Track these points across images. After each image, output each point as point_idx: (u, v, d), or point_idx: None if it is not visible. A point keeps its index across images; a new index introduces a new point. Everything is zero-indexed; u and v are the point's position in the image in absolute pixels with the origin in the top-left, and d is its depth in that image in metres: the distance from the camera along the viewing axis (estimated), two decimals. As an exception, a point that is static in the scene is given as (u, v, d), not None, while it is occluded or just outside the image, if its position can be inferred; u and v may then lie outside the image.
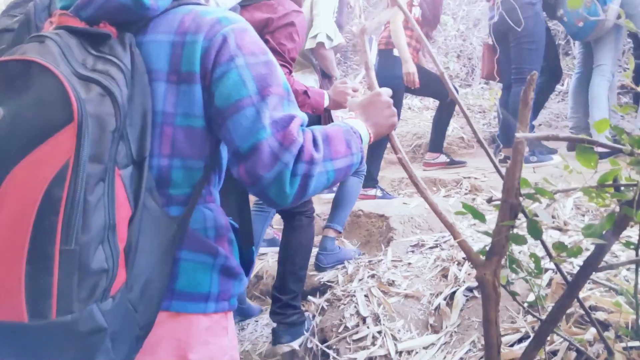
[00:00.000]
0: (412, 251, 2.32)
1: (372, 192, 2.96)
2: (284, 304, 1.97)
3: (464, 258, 2.04)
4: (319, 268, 2.39)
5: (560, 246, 0.94)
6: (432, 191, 3.09)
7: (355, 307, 1.94)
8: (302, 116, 0.83)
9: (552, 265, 1.59)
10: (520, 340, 1.51)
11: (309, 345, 1.94)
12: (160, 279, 0.77)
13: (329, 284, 2.32)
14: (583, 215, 2.37)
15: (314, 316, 2.13)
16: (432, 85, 2.99)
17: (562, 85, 4.54)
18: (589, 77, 3.01)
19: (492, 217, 2.15)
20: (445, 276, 2.02)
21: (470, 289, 1.87)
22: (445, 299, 1.88)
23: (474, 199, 2.71)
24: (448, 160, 3.55)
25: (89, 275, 0.64)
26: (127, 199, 0.70)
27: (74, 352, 0.66)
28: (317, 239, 2.70)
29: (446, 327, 1.77)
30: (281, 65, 1.72)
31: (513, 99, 2.97)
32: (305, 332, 1.97)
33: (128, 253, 0.70)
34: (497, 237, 0.94)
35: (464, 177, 3.01)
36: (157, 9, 0.78)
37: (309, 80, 2.31)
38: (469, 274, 1.94)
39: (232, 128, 0.78)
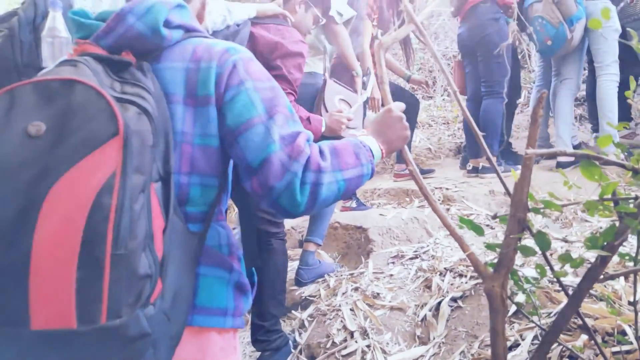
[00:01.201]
0: (393, 262, 2.33)
1: (348, 203, 2.97)
2: (266, 330, 1.89)
3: (445, 268, 2.08)
4: (300, 283, 2.36)
5: (566, 257, 0.96)
6: (404, 202, 3.14)
7: (341, 321, 1.93)
8: (307, 132, 0.89)
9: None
10: (509, 349, 1.54)
11: (297, 362, 1.91)
12: (187, 290, 0.80)
13: (310, 298, 2.29)
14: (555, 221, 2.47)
15: (293, 330, 2.10)
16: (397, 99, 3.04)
17: (520, 98, 4.74)
18: (549, 89, 3.16)
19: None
20: (428, 287, 2.04)
21: (454, 299, 1.89)
22: (430, 310, 1.90)
23: (448, 209, 2.76)
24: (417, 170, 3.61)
25: (136, 280, 0.67)
26: (161, 211, 0.74)
27: (121, 357, 0.67)
28: (294, 252, 2.69)
29: (434, 339, 1.78)
30: (288, 93, 1.80)
31: (485, 111, 3.06)
32: (292, 350, 1.93)
33: (162, 263, 0.73)
34: (505, 250, 0.96)
35: (436, 188, 3.06)
36: (170, 39, 0.86)
37: (318, 66, 2.35)
38: (451, 284, 1.97)
39: (244, 145, 0.83)
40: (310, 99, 2.23)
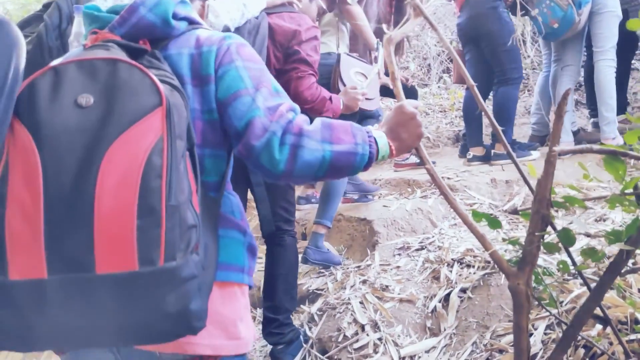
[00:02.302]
0: (399, 254, 2.34)
1: (348, 195, 2.96)
2: (280, 323, 1.91)
3: (452, 259, 2.09)
4: (306, 261, 2.36)
5: (590, 252, 0.97)
6: (406, 192, 3.13)
7: (352, 314, 1.93)
8: (292, 103, 0.96)
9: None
10: (522, 339, 1.56)
11: (309, 358, 1.91)
12: (213, 247, 0.90)
13: (318, 291, 2.30)
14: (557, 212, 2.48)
15: (302, 324, 2.11)
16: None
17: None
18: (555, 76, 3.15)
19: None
20: (436, 278, 2.05)
21: (463, 290, 1.91)
22: (440, 301, 1.91)
23: (451, 199, 2.77)
24: (418, 160, 3.61)
25: (186, 229, 0.75)
26: (193, 176, 0.83)
27: (174, 297, 0.73)
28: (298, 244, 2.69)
29: (445, 330, 1.80)
30: (309, 74, 1.89)
31: (499, 99, 3.05)
32: (303, 344, 1.94)
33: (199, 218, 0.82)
34: (529, 247, 0.96)
35: (437, 177, 3.06)
36: (178, 29, 0.96)
37: (335, 46, 2.49)
38: (460, 275, 1.98)
39: (232, 113, 0.91)
40: (328, 77, 2.31)
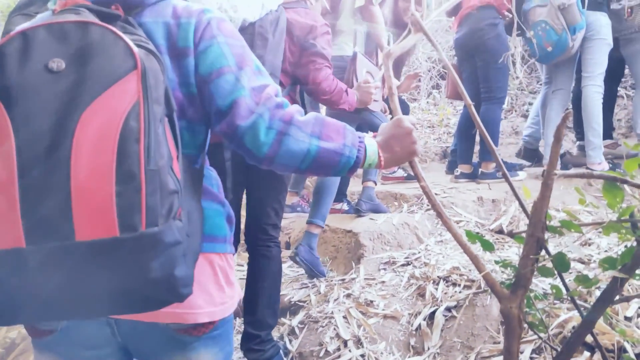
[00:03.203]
0: (385, 269, 2.31)
1: (338, 205, 2.93)
2: (261, 340, 1.83)
3: (438, 277, 2.07)
4: (293, 258, 2.35)
5: (584, 279, 0.95)
6: (393, 206, 3.12)
7: (334, 329, 1.89)
8: (276, 86, 0.95)
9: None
10: (507, 362, 1.54)
11: (289, 372, 1.86)
12: (197, 215, 0.89)
13: (300, 303, 2.26)
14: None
15: (282, 337, 2.06)
16: None
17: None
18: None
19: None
20: (421, 295, 2.03)
21: (448, 309, 1.88)
22: (424, 319, 1.88)
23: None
24: (405, 174, 3.61)
25: (167, 194, 0.73)
26: (172, 142, 0.80)
27: (158, 263, 0.72)
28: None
29: (428, 349, 1.77)
30: (325, 66, 1.95)
31: (483, 116, 3.06)
32: (283, 358, 1.89)
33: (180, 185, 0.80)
34: (523, 271, 0.94)
35: (424, 193, 3.05)
36: None
37: (350, 48, 2.58)
38: (445, 294, 1.96)
39: (214, 90, 0.89)
40: (340, 78, 2.36)
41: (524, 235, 1.00)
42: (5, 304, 0.73)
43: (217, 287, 0.96)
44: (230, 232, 1.01)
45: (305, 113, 0.95)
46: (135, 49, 0.74)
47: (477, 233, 2.61)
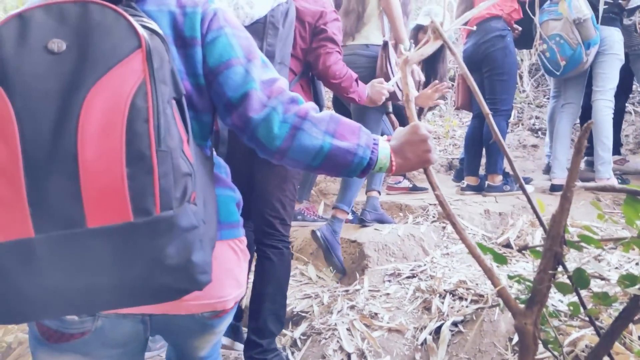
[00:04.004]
0: (389, 280, 2.27)
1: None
2: (263, 349, 1.76)
3: (445, 290, 2.02)
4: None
5: (603, 296, 0.91)
6: (398, 217, 3.08)
7: (338, 341, 1.85)
8: (284, 79, 0.94)
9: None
10: (516, 380, 1.49)
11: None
12: (212, 201, 0.87)
13: (302, 314, 2.21)
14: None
15: (284, 348, 2.01)
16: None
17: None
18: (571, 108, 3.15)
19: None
20: (427, 309, 1.98)
21: (455, 324, 1.84)
22: (430, 334, 1.83)
23: (444, 227, 2.72)
24: (410, 185, 3.58)
25: (180, 176, 0.71)
26: (182, 125, 0.77)
27: (175, 248, 0.69)
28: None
29: (434, 364, 1.72)
30: (336, 52, 1.97)
31: (488, 128, 3.04)
32: None
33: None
34: (539, 286, 0.90)
35: (430, 204, 3.02)
36: None
37: (376, 37, 2.59)
38: (452, 308, 1.92)
39: (223, 82, 0.88)
40: (366, 67, 2.45)
41: (539, 249, 0.96)
42: (17, 299, 0.69)
43: (240, 270, 0.98)
44: (240, 218, 1.02)
45: (320, 106, 0.94)
46: (139, 28, 0.72)
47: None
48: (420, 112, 2.84)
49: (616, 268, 1.96)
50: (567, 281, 0.95)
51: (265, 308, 1.78)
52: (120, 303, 0.75)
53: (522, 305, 0.94)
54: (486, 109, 1.01)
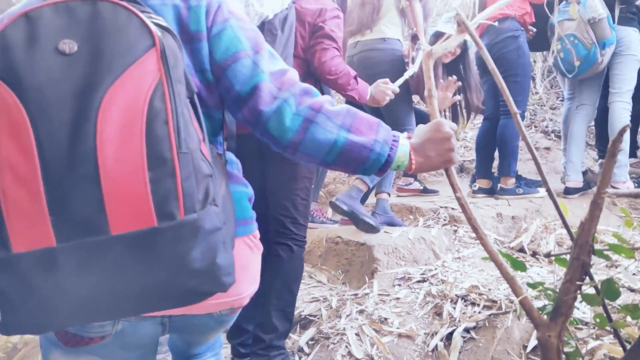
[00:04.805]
0: (399, 284, 2.22)
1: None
2: (266, 345, 1.74)
3: (457, 295, 1.97)
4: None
5: (633, 308, 0.86)
6: (408, 219, 3.03)
7: (346, 347, 1.80)
8: (295, 71, 0.92)
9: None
10: (531, 391, 1.44)
11: (297, 390, 1.77)
12: (229, 198, 0.85)
13: (310, 317, 2.17)
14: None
15: (293, 353, 1.97)
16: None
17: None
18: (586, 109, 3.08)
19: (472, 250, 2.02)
20: (438, 314, 1.93)
21: (467, 330, 1.79)
22: (441, 340, 1.78)
23: (455, 231, 2.67)
24: (421, 187, 3.52)
25: (201, 178, 0.69)
26: (197, 124, 0.75)
27: (199, 252, 0.68)
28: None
29: (446, 372, 1.67)
30: (334, 48, 1.94)
31: (501, 131, 2.98)
32: None
33: None
34: (565, 297, 0.85)
35: (441, 207, 2.96)
36: None
37: (393, 32, 2.59)
38: (464, 313, 1.87)
39: (232, 75, 0.86)
40: (384, 65, 2.45)
41: (564, 257, 0.91)
42: (39, 309, 0.67)
43: (255, 266, 0.98)
44: (253, 213, 1.01)
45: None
46: (152, 25, 0.69)
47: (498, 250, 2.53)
48: (453, 117, 2.79)
49: (634, 274, 1.90)
50: (593, 291, 0.90)
51: (270, 303, 1.76)
52: (145, 308, 0.74)
53: (546, 317, 0.90)
54: (514, 108, 0.97)
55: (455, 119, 2.83)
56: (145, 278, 0.68)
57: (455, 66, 2.75)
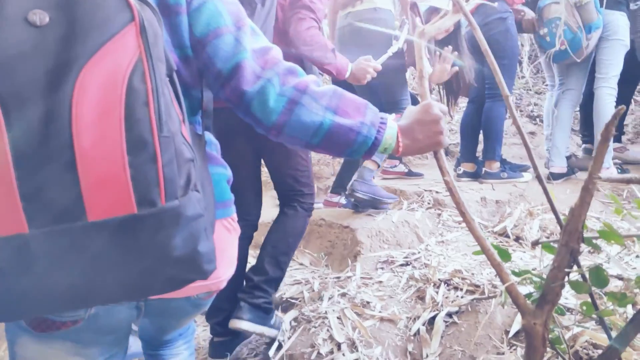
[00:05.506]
0: (382, 268, 2.20)
1: (336, 198, 2.82)
2: (254, 284, 1.82)
3: (439, 279, 1.96)
4: (352, 196, 2.45)
5: (620, 297, 0.84)
6: (392, 203, 3.00)
7: (328, 330, 1.78)
8: (278, 49, 0.88)
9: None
10: (512, 375, 1.43)
11: (278, 373, 1.75)
12: (209, 182, 0.83)
13: (292, 300, 2.15)
14: (547, 237, 2.39)
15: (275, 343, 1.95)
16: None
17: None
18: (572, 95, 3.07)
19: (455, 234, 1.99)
20: (420, 298, 1.92)
21: (449, 314, 1.78)
22: (424, 324, 1.77)
23: (439, 214, 2.65)
24: (406, 170, 3.50)
25: (183, 162, 0.66)
26: (177, 104, 0.71)
27: (181, 240, 0.65)
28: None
29: (427, 356, 1.66)
30: (312, 18, 1.88)
31: (486, 114, 2.95)
32: (270, 327, 1.83)
33: None
34: (552, 284, 0.83)
35: (425, 190, 2.94)
36: None
37: (383, 2, 2.54)
38: (446, 298, 1.86)
39: (213, 52, 0.82)
40: (374, 36, 2.38)
41: (553, 244, 0.89)
42: (9, 296, 0.64)
43: (233, 249, 0.96)
44: (232, 195, 0.99)
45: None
46: None
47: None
48: (448, 100, 2.74)
49: (608, 260, 1.90)
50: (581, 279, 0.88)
51: (266, 250, 1.86)
52: (123, 296, 0.71)
53: (532, 305, 0.87)
54: (506, 90, 0.93)
55: (450, 93, 2.78)
56: (124, 266, 0.65)
57: (447, 43, 2.70)
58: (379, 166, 2.53)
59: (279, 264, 1.86)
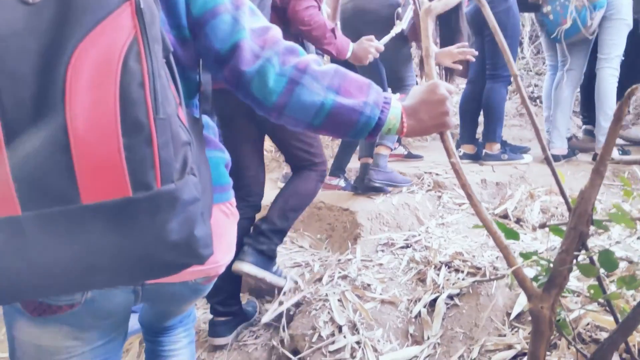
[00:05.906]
0: (382, 250, 2.20)
1: (335, 181, 2.80)
2: (260, 231, 1.87)
3: (440, 262, 1.95)
4: (370, 185, 2.48)
5: (630, 280, 0.83)
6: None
7: (329, 313, 1.78)
8: (278, 28, 0.86)
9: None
10: (514, 358, 1.44)
11: (279, 355, 1.76)
12: (206, 166, 0.82)
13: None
14: (548, 220, 2.38)
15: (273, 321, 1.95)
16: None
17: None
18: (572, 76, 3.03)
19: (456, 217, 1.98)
20: (421, 280, 1.92)
21: (450, 297, 1.78)
22: (425, 306, 1.77)
23: (439, 197, 2.64)
24: (406, 152, 3.48)
25: (179, 146, 0.65)
26: (173, 86, 0.70)
27: (177, 224, 0.64)
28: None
29: (428, 338, 1.67)
30: None
31: (487, 95, 2.91)
32: (272, 273, 1.90)
33: None
34: (560, 268, 0.82)
35: (425, 172, 2.92)
36: None
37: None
38: (447, 280, 1.85)
39: (211, 32, 0.80)
40: (377, 13, 2.37)
41: (562, 227, 0.87)
42: (5, 279, 0.64)
43: (231, 234, 0.96)
44: (230, 179, 0.97)
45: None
46: None
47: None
48: (446, 77, 2.68)
49: (618, 242, 1.90)
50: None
51: (277, 204, 1.91)
52: (118, 281, 0.72)
53: (539, 289, 0.86)
54: (515, 69, 0.91)
55: (449, 71, 2.73)
56: (119, 250, 0.64)
57: (447, 18, 2.65)
58: (391, 150, 2.53)
59: (287, 217, 1.91)
